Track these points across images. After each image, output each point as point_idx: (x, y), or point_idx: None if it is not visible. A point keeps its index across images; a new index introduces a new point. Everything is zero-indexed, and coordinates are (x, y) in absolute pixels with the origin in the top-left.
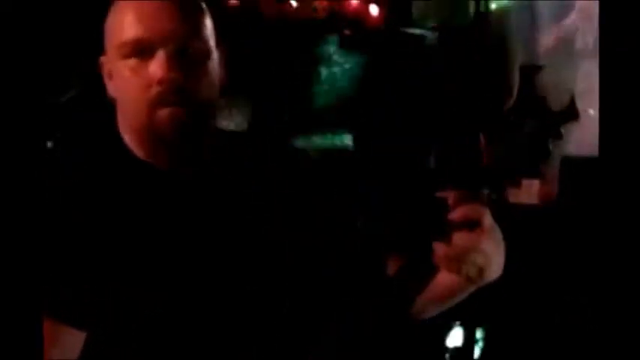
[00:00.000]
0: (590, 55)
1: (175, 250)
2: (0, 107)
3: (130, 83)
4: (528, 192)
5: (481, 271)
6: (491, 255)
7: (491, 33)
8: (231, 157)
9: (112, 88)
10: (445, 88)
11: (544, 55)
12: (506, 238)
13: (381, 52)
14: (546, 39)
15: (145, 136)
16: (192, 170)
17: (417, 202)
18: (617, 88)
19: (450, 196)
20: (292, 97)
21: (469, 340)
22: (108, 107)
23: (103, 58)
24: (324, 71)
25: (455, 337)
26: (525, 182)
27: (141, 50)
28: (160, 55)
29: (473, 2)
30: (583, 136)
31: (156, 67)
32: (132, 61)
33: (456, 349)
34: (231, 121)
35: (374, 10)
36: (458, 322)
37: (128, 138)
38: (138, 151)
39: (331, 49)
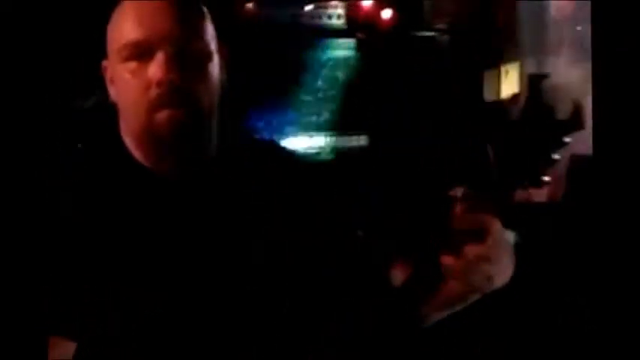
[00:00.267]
0: None
1: (177, 255)
2: (9, 112)
3: (130, 86)
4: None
5: (489, 279)
6: (500, 263)
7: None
8: (233, 161)
9: (114, 92)
10: (452, 90)
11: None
12: (515, 240)
13: (393, 54)
14: (555, 44)
15: (145, 138)
16: (194, 175)
17: (423, 209)
18: (610, 88)
19: (458, 205)
20: (303, 99)
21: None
22: (111, 112)
23: (105, 63)
24: (336, 74)
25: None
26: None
27: (140, 53)
28: (159, 57)
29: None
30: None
31: (155, 68)
32: (131, 64)
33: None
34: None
35: (387, 13)
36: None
37: (130, 143)
38: (139, 155)
39: (345, 52)
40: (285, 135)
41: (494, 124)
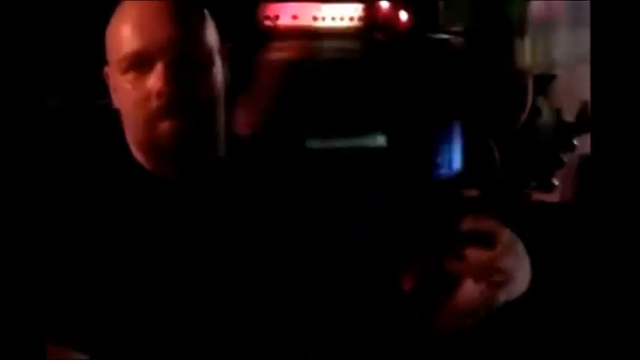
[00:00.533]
0: None
1: (180, 258)
2: (13, 113)
3: (131, 96)
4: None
5: (502, 288)
6: (512, 272)
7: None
8: (238, 162)
9: (116, 100)
10: (460, 92)
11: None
12: (526, 241)
13: (409, 56)
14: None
15: (147, 147)
16: (200, 181)
17: (430, 211)
18: (609, 89)
19: (465, 208)
20: (316, 100)
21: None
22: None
23: (106, 69)
24: (352, 74)
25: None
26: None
27: (139, 63)
28: (159, 68)
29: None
30: None
31: (154, 79)
32: (131, 75)
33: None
34: None
35: (403, 15)
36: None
37: (133, 148)
38: (143, 159)
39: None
40: (296, 136)
41: (501, 126)
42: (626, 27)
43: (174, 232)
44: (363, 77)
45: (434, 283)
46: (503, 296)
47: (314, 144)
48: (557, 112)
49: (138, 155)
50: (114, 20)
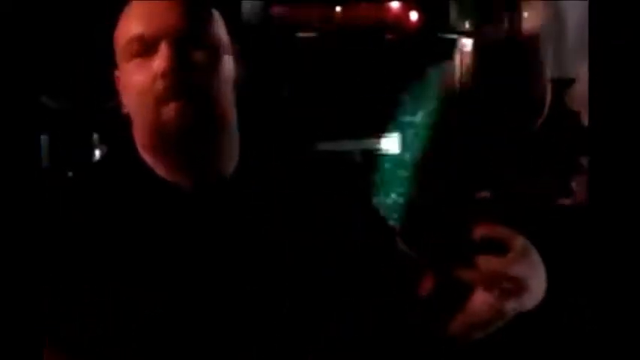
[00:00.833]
0: None
1: (195, 267)
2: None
3: (137, 81)
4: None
5: (513, 297)
6: (525, 280)
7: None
8: (255, 172)
9: (125, 100)
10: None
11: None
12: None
13: (420, 56)
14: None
15: (154, 138)
16: (216, 187)
17: (442, 214)
18: (607, 88)
19: (477, 212)
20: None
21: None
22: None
23: (117, 72)
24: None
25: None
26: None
27: (145, 48)
28: (163, 49)
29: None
30: None
31: (159, 60)
32: (137, 61)
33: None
34: None
35: (414, 15)
36: None
37: (143, 151)
38: (153, 163)
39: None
40: (312, 138)
41: (519, 130)
42: (625, 25)
43: (191, 241)
44: (373, 77)
45: (442, 290)
46: (514, 306)
47: (325, 146)
48: (576, 116)
49: (146, 157)
50: (122, 16)
